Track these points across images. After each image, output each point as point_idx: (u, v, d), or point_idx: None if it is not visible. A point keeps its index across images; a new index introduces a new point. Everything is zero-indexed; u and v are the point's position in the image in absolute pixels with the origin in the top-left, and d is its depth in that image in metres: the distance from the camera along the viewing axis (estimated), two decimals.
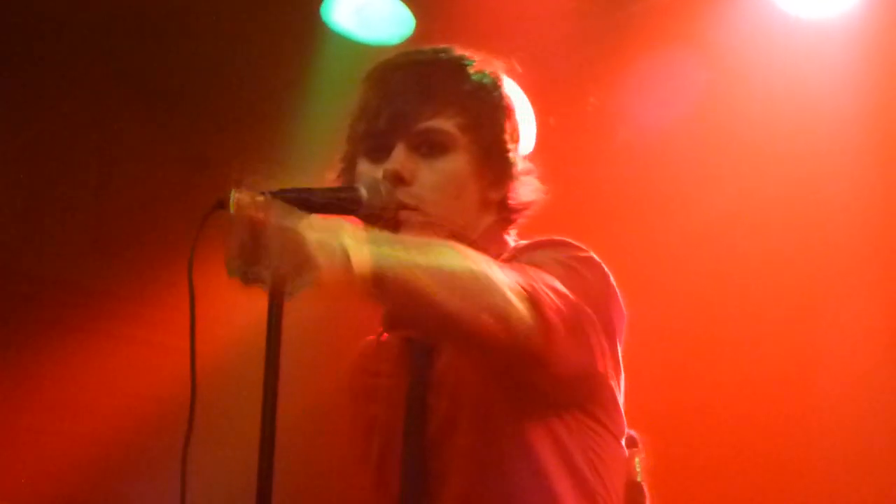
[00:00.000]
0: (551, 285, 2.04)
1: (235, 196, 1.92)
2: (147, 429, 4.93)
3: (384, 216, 2.16)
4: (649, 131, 4.88)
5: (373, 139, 2.28)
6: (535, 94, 4.85)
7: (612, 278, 2.29)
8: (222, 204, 1.95)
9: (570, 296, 2.06)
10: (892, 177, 4.75)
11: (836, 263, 4.89)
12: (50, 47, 5.05)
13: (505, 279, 1.95)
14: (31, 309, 5.12)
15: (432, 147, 2.27)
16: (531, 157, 4.70)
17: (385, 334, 2.36)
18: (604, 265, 2.29)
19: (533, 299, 1.96)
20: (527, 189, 2.40)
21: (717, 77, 4.72)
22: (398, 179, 2.21)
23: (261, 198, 1.94)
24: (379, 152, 2.26)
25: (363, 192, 2.10)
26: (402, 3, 4.70)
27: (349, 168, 2.30)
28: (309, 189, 2.06)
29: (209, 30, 4.94)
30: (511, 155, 2.38)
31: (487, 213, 2.35)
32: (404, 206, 2.20)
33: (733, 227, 4.99)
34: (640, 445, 2.45)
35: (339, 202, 2.09)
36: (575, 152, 4.78)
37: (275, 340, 1.87)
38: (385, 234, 2.00)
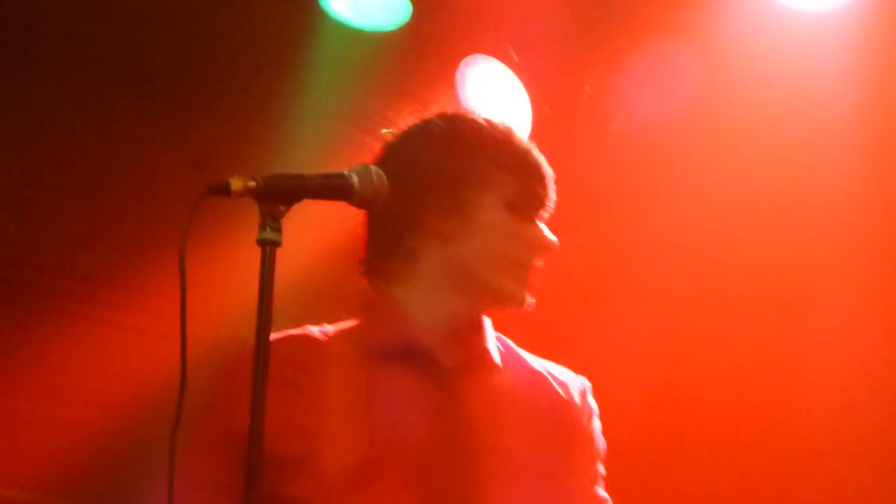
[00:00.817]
0: None
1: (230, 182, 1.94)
2: (139, 414, 4.93)
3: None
4: (644, 121, 4.87)
5: (538, 202, 2.42)
6: (531, 82, 4.86)
7: None
8: (213, 189, 1.95)
9: None
10: (888, 171, 4.75)
11: (830, 256, 4.90)
12: (43, 35, 5.04)
13: None
14: (23, 296, 5.11)
15: None
16: None
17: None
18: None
19: None
20: None
21: (713, 68, 4.71)
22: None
23: (253, 183, 1.95)
24: (529, 211, 2.40)
25: (355, 179, 2.08)
26: None
27: (466, 204, 2.36)
28: (300, 175, 2.05)
29: (203, 16, 4.92)
30: None
31: None
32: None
33: (727, 220, 5.00)
34: None
35: (330, 189, 2.08)
36: (569, 141, 4.77)
37: (265, 327, 1.87)
38: None
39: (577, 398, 2.43)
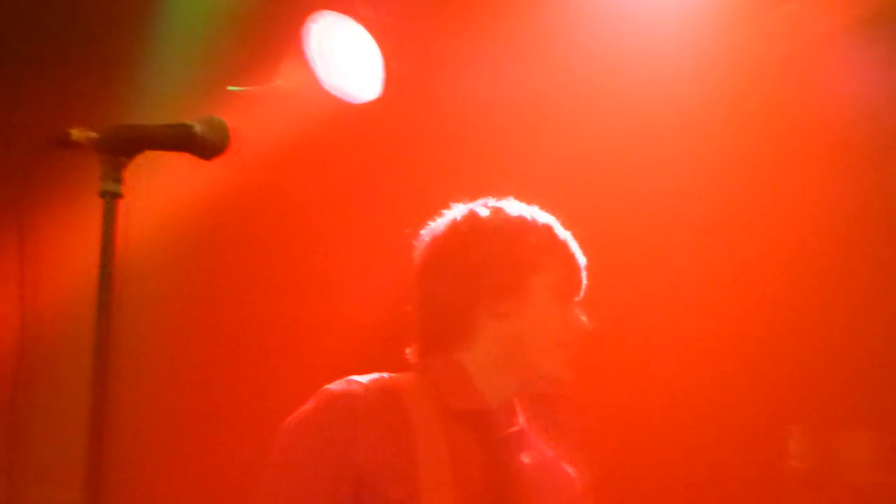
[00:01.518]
0: None
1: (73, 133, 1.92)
2: None
3: None
4: (497, 80, 4.88)
5: (579, 288, 2.63)
6: (383, 39, 4.85)
7: None
8: (54, 142, 1.93)
9: None
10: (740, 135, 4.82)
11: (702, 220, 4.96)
12: None
13: None
14: None
15: None
16: (377, 103, 4.69)
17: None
18: None
19: None
20: None
21: (569, 27, 4.73)
22: None
23: (94, 134, 1.94)
24: (571, 296, 2.62)
25: (199, 129, 2.07)
26: None
27: (519, 286, 2.57)
28: (142, 126, 2.05)
29: None
30: None
31: None
32: None
33: (587, 179, 5.02)
34: None
35: (173, 139, 2.07)
36: (421, 99, 4.76)
37: (107, 279, 1.84)
38: None
39: (579, 479, 2.69)
